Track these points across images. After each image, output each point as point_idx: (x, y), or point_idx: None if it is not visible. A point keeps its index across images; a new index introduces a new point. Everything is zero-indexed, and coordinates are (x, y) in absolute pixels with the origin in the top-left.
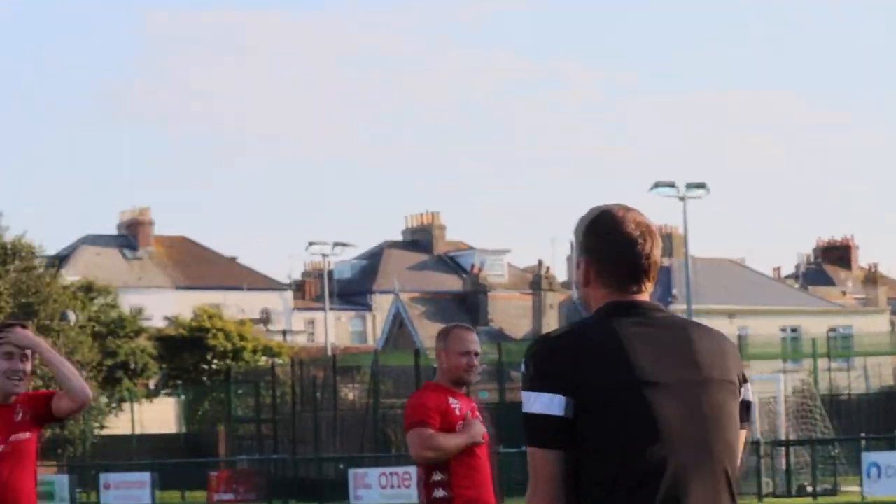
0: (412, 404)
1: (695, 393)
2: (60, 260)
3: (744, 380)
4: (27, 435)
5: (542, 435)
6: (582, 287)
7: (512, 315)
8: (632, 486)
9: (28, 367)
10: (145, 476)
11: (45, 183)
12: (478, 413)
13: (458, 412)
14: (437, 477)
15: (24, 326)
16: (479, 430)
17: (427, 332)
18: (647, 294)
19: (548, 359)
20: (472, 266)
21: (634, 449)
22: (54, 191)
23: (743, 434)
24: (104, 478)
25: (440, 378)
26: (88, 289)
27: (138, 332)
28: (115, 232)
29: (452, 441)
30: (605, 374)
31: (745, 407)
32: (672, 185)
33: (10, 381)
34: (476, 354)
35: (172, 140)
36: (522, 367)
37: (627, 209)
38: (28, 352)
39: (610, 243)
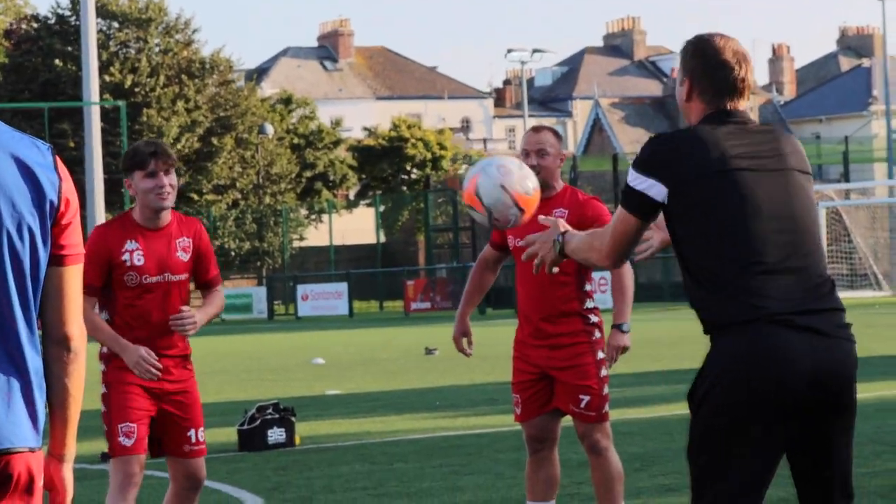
0: None
1: (779, 176)
2: (260, 73)
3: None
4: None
5: (635, 204)
6: (684, 101)
7: None
8: (730, 254)
9: (174, 179)
10: (342, 286)
11: None
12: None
13: None
14: (589, 287)
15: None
16: None
17: (626, 137)
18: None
19: (657, 151)
20: (673, 70)
21: (727, 223)
22: (254, 4)
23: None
24: (301, 289)
25: None
26: (287, 101)
27: (336, 143)
28: (314, 44)
29: None
30: (701, 164)
31: None
32: None
33: (157, 197)
34: (540, 154)
35: None
36: (639, 152)
37: (727, 38)
38: (172, 163)
39: (711, 66)
